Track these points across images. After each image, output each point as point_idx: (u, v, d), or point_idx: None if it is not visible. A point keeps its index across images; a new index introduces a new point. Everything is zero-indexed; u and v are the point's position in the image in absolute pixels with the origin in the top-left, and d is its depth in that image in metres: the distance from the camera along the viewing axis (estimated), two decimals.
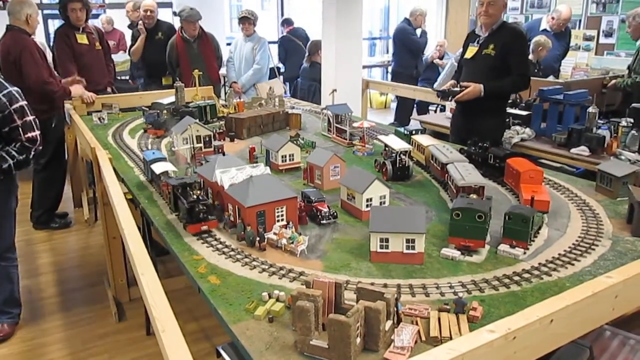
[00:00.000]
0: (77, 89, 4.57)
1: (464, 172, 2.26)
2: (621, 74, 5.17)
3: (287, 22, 8.36)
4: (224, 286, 1.65)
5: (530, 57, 5.65)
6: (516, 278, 1.66)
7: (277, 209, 1.99)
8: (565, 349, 1.62)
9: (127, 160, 3.11)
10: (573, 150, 3.67)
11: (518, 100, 4.55)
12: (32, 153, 2.98)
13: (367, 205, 2.14)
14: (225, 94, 5.80)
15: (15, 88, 2.95)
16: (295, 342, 1.34)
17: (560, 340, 1.39)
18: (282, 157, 2.82)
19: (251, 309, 1.50)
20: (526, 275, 1.67)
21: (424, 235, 1.76)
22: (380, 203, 2.18)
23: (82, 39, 4.89)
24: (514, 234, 1.83)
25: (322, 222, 2.11)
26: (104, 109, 4.36)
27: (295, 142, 3.04)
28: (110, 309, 3.45)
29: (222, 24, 8.78)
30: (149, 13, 5.88)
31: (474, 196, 2.06)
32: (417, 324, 1.41)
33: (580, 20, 7.77)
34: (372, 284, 1.58)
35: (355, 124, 3.30)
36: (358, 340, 1.27)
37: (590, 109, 3.73)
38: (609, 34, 7.49)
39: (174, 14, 7.43)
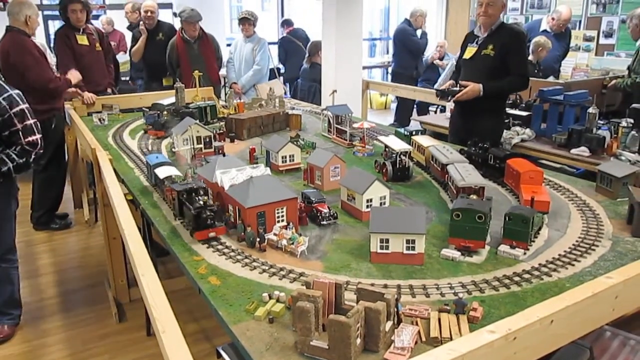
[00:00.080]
0: (74, 75, 4.59)
1: (464, 173, 2.26)
2: (621, 74, 5.17)
3: (287, 23, 8.36)
4: (224, 287, 1.65)
5: (530, 57, 5.65)
6: (516, 278, 1.66)
7: (278, 209, 1.99)
8: (565, 350, 1.62)
9: (127, 161, 3.11)
10: (573, 150, 3.67)
11: (518, 101, 4.55)
12: (33, 157, 2.96)
13: (367, 206, 2.14)
14: (226, 94, 5.81)
15: (16, 91, 2.92)
16: (295, 343, 1.34)
17: (560, 341, 1.39)
18: (283, 157, 2.82)
19: (251, 310, 1.50)
20: (526, 276, 1.67)
21: (424, 236, 1.76)
22: (381, 204, 2.18)
23: (83, 40, 4.89)
24: (514, 234, 1.83)
25: (322, 222, 2.11)
26: (104, 110, 4.36)
27: (295, 142, 3.04)
28: (110, 309, 3.45)
29: (222, 25, 8.79)
30: (149, 14, 5.89)
31: (474, 197, 2.07)
32: (417, 324, 1.41)
33: (580, 21, 7.77)
34: (373, 284, 1.58)
35: (355, 125, 3.30)
36: (358, 340, 1.27)
37: (591, 110, 3.73)
38: (609, 35, 7.50)
39: (174, 14, 7.44)
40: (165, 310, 1.38)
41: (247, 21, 6.12)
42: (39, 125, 3.01)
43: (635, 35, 5.00)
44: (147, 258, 1.72)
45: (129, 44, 6.51)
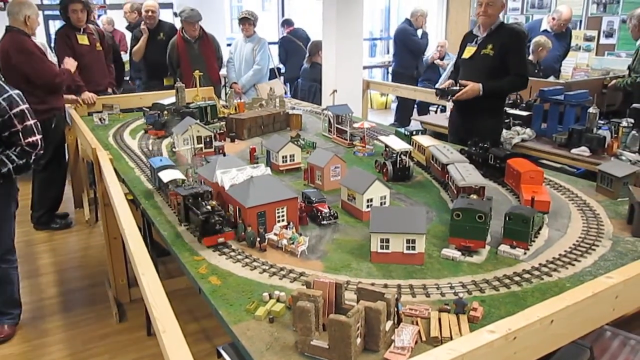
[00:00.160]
0: (71, 63, 4.59)
1: (465, 173, 2.26)
2: (622, 74, 5.17)
3: (287, 23, 8.37)
4: (225, 287, 1.65)
5: (531, 57, 5.65)
6: (516, 278, 1.66)
7: (278, 209, 1.99)
8: (565, 350, 1.62)
9: (127, 161, 3.11)
10: (573, 150, 3.67)
11: (519, 101, 4.55)
12: (33, 157, 2.95)
13: (367, 206, 2.14)
14: (226, 94, 5.81)
15: (16, 91, 2.90)
16: (295, 343, 1.34)
17: (560, 341, 1.39)
18: (283, 157, 2.83)
19: (252, 310, 1.50)
20: (526, 276, 1.67)
21: (424, 236, 1.76)
22: (381, 203, 2.18)
23: (83, 39, 4.90)
24: (514, 234, 1.83)
25: (322, 222, 2.11)
26: (104, 110, 4.37)
27: (295, 142, 3.04)
28: (111, 309, 3.45)
29: (222, 25, 8.79)
30: (150, 13, 5.89)
31: (475, 197, 2.07)
32: (417, 324, 1.41)
33: (580, 21, 7.77)
34: (373, 284, 1.58)
35: (355, 125, 3.30)
36: (358, 340, 1.27)
37: (591, 110, 3.73)
38: (609, 35, 7.49)
39: (175, 14, 7.44)
40: (166, 310, 1.38)
41: (247, 21, 6.12)
42: (39, 125, 2.99)
43: (635, 35, 5.01)
44: (148, 258, 1.72)
45: (128, 44, 6.51)
